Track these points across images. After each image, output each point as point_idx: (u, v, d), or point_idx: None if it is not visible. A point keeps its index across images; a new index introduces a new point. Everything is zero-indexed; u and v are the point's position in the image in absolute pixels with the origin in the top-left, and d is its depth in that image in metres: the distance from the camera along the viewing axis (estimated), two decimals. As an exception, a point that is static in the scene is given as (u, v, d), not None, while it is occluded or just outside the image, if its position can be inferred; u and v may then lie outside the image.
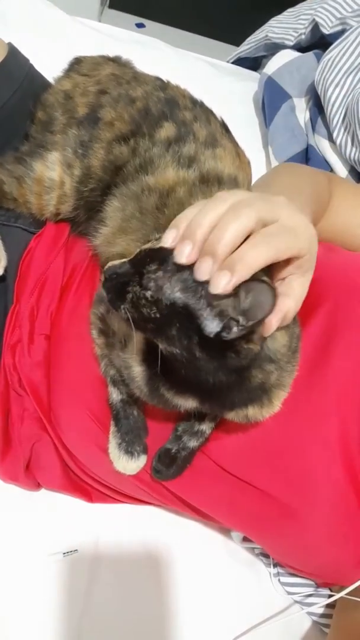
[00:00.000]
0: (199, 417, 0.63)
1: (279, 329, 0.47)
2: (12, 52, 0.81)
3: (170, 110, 0.71)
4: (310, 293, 0.67)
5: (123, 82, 0.77)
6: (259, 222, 0.42)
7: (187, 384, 0.52)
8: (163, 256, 0.45)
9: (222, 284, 0.40)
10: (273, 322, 0.45)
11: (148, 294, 0.44)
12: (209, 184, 0.63)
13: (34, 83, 0.81)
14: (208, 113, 0.75)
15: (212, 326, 0.44)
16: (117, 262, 0.48)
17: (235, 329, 0.43)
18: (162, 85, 0.77)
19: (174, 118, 0.70)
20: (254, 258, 0.40)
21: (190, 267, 0.43)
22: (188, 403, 0.55)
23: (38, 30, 1.21)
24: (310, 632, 0.80)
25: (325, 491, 0.61)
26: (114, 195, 0.67)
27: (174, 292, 0.44)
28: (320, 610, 0.80)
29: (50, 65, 0.86)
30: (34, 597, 0.73)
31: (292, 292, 0.47)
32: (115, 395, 0.66)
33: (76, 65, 0.84)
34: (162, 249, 0.45)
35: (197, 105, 0.75)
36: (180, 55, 1.34)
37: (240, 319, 0.42)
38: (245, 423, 0.57)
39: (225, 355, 0.46)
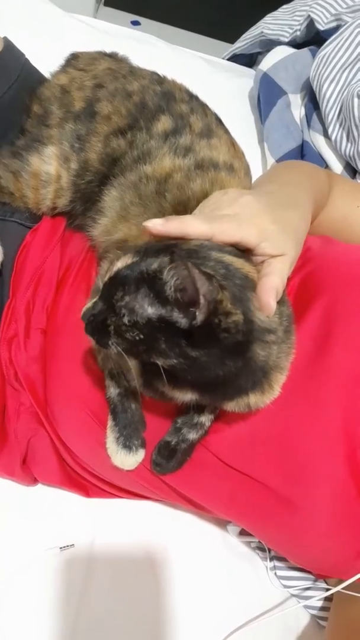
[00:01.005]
0: (198, 409, 0.63)
1: None
2: (8, 46, 0.81)
3: (166, 104, 0.71)
4: (309, 284, 0.68)
5: (119, 76, 0.77)
6: None
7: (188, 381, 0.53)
8: (121, 280, 0.48)
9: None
10: (269, 300, 0.50)
11: (125, 319, 0.47)
12: (205, 168, 0.65)
13: (29, 77, 0.82)
14: (204, 106, 0.75)
15: (183, 322, 0.46)
16: (89, 304, 0.51)
17: (197, 312, 0.45)
18: (159, 79, 0.77)
19: (171, 111, 0.70)
20: (195, 224, 0.52)
21: (147, 281, 0.46)
22: (187, 396, 0.55)
23: (34, 27, 1.21)
24: (306, 625, 0.80)
25: (325, 484, 0.61)
26: (112, 185, 0.67)
27: (145, 309, 0.47)
28: (318, 604, 0.80)
29: (46, 61, 0.87)
30: (31, 590, 0.73)
31: (273, 269, 0.53)
32: (112, 388, 0.65)
33: (73, 60, 0.84)
34: (117, 272, 0.49)
35: (193, 98, 0.75)
36: (176, 51, 1.34)
37: (201, 300, 0.44)
38: (247, 412, 0.58)
39: (219, 338, 0.47)
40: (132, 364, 0.58)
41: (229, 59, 1.47)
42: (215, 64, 1.37)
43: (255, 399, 0.56)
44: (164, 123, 0.69)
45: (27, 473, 0.76)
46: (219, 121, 0.75)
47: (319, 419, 0.62)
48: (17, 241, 0.75)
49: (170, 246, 0.50)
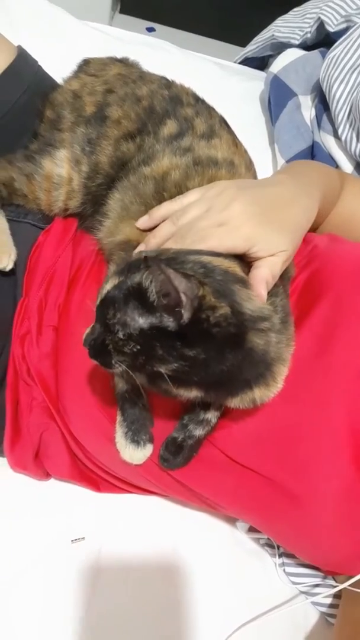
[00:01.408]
0: (204, 406, 0.65)
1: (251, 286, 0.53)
2: (21, 54, 0.84)
3: (173, 108, 0.73)
4: (315, 282, 0.69)
5: (129, 81, 0.79)
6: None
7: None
8: (111, 300, 0.50)
9: None
10: (260, 290, 0.55)
11: (120, 334, 0.49)
12: (204, 165, 0.67)
13: (42, 83, 0.84)
14: (210, 109, 0.77)
15: (172, 324, 0.48)
16: (88, 330, 0.54)
17: (182, 310, 0.47)
18: (167, 84, 0.79)
19: (176, 115, 0.73)
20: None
21: (134, 295, 0.49)
22: (192, 394, 0.56)
23: (49, 35, 1.24)
24: (315, 622, 0.80)
25: (329, 478, 0.62)
26: (115, 188, 0.69)
27: (136, 320, 0.49)
28: (327, 601, 0.80)
29: (60, 68, 0.89)
30: (42, 581, 0.75)
31: (264, 262, 0.57)
32: (121, 385, 0.67)
33: (84, 66, 0.87)
34: (107, 294, 0.51)
35: (199, 102, 0.77)
36: (188, 56, 1.36)
37: (183, 299, 0.46)
38: (252, 407, 0.59)
39: (212, 333, 0.48)
40: None
41: (241, 62, 1.48)
42: (227, 68, 1.39)
43: (260, 393, 0.57)
44: (169, 127, 0.71)
45: (40, 467, 0.78)
46: (224, 122, 0.77)
47: (324, 414, 0.63)
48: (30, 241, 0.78)
49: (149, 259, 0.51)
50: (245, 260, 0.59)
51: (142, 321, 0.48)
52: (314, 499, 0.62)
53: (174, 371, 0.50)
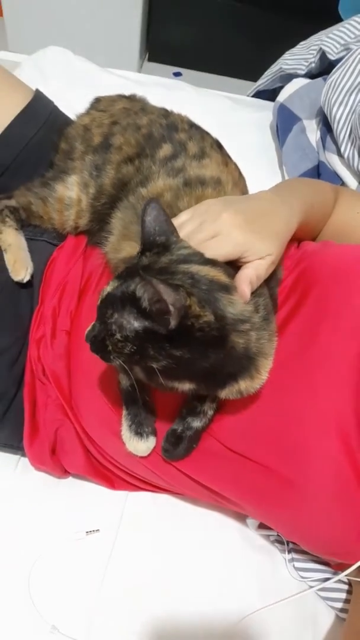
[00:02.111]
0: (199, 398, 0.70)
1: (234, 291, 0.58)
2: (37, 96, 0.96)
3: (169, 133, 0.82)
4: (302, 280, 0.74)
5: (132, 113, 0.89)
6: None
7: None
8: (110, 301, 0.57)
9: None
10: (243, 288, 0.61)
11: (117, 336, 0.57)
12: (192, 186, 0.74)
13: (57, 120, 0.96)
14: (203, 133, 0.86)
15: (162, 329, 0.54)
16: (89, 327, 0.61)
17: (169, 318, 0.53)
18: (165, 114, 0.88)
19: (172, 139, 0.81)
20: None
21: (129, 300, 0.55)
22: (185, 386, 0.63)
23: (73, 82, 1.38)
24: (324, 617, 0.81)
25: (320, 462, 0.65)
26: (117, 208, 0.78)
27: (132, 323, 0.56)
28: (340, 596, 0.81)
29: (82, 108, 1.00)
30: (56, 570, 0.80)
31: (251, 264, 0.64)
32: (124, 381, 0.73)
33: (95, 103, 0.98)
34: (107, 295, 0.58)
35: (193, 127, 0.86)
36: (202, 93, 1.46)
37: (171, 309, 0.52)
38: (241, 398, 0.64)
39: (196, 337, 0.55)
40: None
41: (254, 96, 1.58)
42: (239, 101, 1.49)
43: (245, 385, 0.63)
44: (165, 150, 0.80)
45: (57, 463, 0.84)
46: (216, 144, 0.85)
47: (312, 400, 0.67)
48: (46, 257, 0.87)
49: (143, 268, 0.59)
50: (235, 265, 0.65)
51: (136, 324, 0.55)
52: (307, 483, 0.65)
53: (164, 367, 0.57)
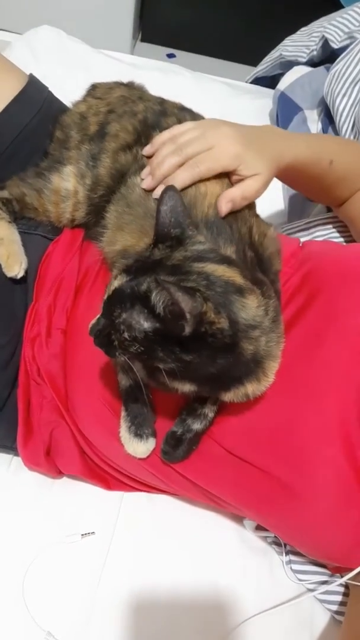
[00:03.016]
0: (201, 400, 0.68)
1: (247, 294, 0.56)
2: (32, 81, 0.91)
3: (158, 120, 0.80)
4: (309, 281, 0.72)
5: (129, 101, 0.85)
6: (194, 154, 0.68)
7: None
8: (118, 298, 0.55)
9: (156, 192, 0.69)
10: (222, 204, 0.67)
11: (125, 335, 0.54)
12: None
13: (52, 107, 0.91)
14: (194, 115, 0.84)
15: (175, 333, 0.52)
16: (93, 320, 0.58)
17: (186, 325, 0.51)
18: (161, 101, 0.86)
19: (161, 126, 0.78)
20: (182, 179, 0.68)
21: (140, 300, 0.53)
22: (186, 387, 0.60)
23: (66, 64, 1.33)
24: (320, 620, 0.81)
25: (323, 468, 0.63)
26: (112, 201, 0.75)
27: (142, 324, 0.53)
28: (337, 599, 0.81)
29: (77, 96, 0.95)
30: (51, 573, 0.78)
31: (240, 184, 0.69)
32: (124, 381, 0.71)
33: (92, 90, 0.94)
34: (115, 291, 0.55)
35: (184, 111, 0.84)
36: (199, 78, 1.42)
37: (187, 316, 0.50)
38: (246, 401, 0.62)
39: (208, 342, 0.53)
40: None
41: (252, 82, 1.54)
42: (237, 87, 1.45)
43: (252, 388, 0.61)
44: None
45: (52, 464, 0.82)
46: None
47: (315, 406, 0.65)
48: (41, 251, 0.83)
49: (155, 265, 0.56)
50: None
51: (146, 325, 0.53)
52: (308, 489, 0.64)
53: (171, 369, 0.55)
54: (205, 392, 0.64)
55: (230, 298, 0.55)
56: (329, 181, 0.83)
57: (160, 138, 0.73)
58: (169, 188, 0.58)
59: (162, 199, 0.58)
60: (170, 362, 0.54)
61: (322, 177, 0.81)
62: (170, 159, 0.69)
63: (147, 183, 0.71)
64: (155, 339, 0.53)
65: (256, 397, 0.62)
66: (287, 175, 0.79)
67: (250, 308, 0.56)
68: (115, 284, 0.56)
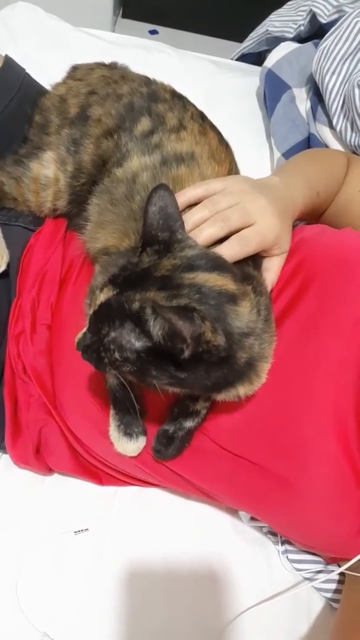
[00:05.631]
0: (192, 398, 0.66)
1: (240, 300, 0.54)
2: (7, 63, 0.87)
3: (148, 105, 0.75)
4: (301, 271, 0.70)
5: (111, 82, 0.81)
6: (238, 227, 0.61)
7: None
8: (105, 314, 0.52)
9: None
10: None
11: (116, 355, 0.51)
12: (169, 164, 0.68)
13: (29, 90, 0.87)
14: (186, 103, 0.79)
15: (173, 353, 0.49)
16: (80, 334, 0.55)
17: (185, 349, 0.48)
18: (147, 82, 0.81)
19: (150, 112, 0.74)
20: (231, 255, 0.59)
21: (131, 318, 0.50)
22: (177, 390, 0.59)
23: (46, 43, 1.28)
24: (318, 608, 0.80)
25: (317, 462, 0.62)
26: (93, 193, 0.71)
27: (133, 343, 0.50)
28: (332, 587, 0.80)
29: (59, 76, 0.90)
30: (44, 570, 0.77)
31: (273, 265, 0.66)
32: (112, 379, 0.68)
33: (72, 72, 0.90)
34: (101, 306, 0.52)
35: (175, 97, 0.79)
36: (184, 56, 1.37)
37: (188, 341, 0.48)
38: (238, 401, 0.61)
39: (202, 358, 0.50)
40: None
41: (239, 59, 1.49)
42: (223, 65, 1.40)
43: (244, 390, 0.60)
44: (143, 124, 0.73)
45: (41, 462, 0.80)
46: (198, 115, 0.78)
47: (310, 399, 0.64)
48: (22, 244, 0.80)
49: (144, 276, 0.53)
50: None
51: (138, 345, 0.50)
52: (304, 483, 0.63)
53: (165, 385, 0.54)
54: (196, 393, 0.62)
55: (224, 309, 0.53)
56: (316, 208, 0.80)
57: (193, 193, 0.63)
58: (160, 187, 0.54)
59: (151, 199, 0.54)
60: (164, 379, 0.52)
61: (313, 209, 0.78)
62: (211, 229, 0.60)
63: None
64: (148, 359, 0.51)
65: (248, 397, 0.61)
66: None
67: (243, 315, 0.54)
68: (102, 297, 0.53)
